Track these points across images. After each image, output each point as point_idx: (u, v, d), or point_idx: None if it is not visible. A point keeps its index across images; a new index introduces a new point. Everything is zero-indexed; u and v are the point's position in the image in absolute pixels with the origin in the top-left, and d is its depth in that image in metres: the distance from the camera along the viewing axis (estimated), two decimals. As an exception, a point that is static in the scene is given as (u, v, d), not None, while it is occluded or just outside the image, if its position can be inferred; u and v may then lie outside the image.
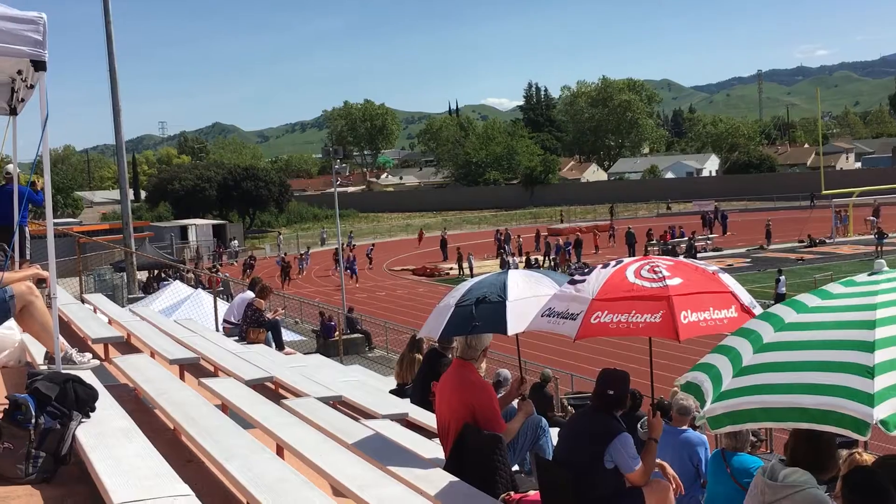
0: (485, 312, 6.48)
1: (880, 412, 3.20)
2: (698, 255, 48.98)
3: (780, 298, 30.18)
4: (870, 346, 3.43)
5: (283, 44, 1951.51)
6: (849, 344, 3.51)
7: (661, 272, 5.61)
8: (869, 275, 4.08)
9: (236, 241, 76.18)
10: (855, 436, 3.30)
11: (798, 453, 4.29)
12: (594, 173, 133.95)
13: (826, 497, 4.31)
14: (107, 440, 4.96)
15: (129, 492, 4.09)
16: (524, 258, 52.63)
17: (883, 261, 4.24)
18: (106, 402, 5.69)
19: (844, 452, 5.70)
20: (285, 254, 63.16)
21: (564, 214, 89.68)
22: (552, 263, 51.26)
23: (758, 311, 5.57)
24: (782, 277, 35.23)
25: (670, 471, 6.14)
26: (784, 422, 3.60)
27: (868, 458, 5.56)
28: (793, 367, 3.63)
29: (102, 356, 9.26)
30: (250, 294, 14.40)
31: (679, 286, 5.51)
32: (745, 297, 5.68)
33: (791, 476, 4.25)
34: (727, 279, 5.87)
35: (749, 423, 3.73)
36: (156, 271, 44.08)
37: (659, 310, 5.37)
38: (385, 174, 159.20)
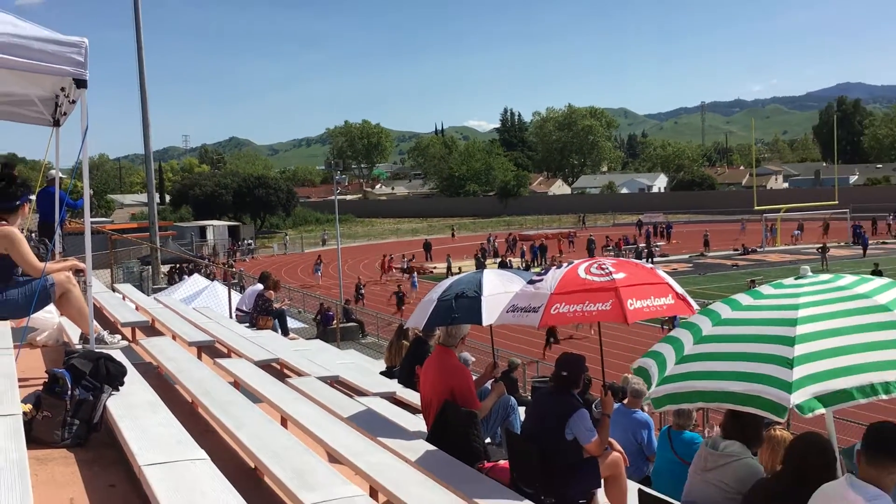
0: (463, 306, 6.50)
1: (797, 398, 3.24)
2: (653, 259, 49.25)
3: None
4: (791, 341, 3.46)
5: (293, 68, 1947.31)
6: (773, 338, 3.54)
7: (607, 268, 5.67)
8: (795, 279, 4.11)
9: (252, 242, 75.85)
10: (774, 417, 3.34)
11: (729, 429, 4.37)
12: (559, 188, 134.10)
13: (759, 465, 4.38)
14: (134, 411, 4.93)
15: (153, 455, 4.07)
16: (498, 260, 52.65)
17: (807, 267, 4.27)
18: (133, 378, 5.65)
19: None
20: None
21: (533, 223, 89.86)
22: (524, 264, 51.37)
23: (690, 299, 5.66)
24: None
25: (617, 446, 6.19)
26: (715, 403, 3.65)
27: (785, 433, 5.63)
28: (725, 357, 3.67)
29: (130, 338, 9.21)
30: (260, 286, 14.34)
31: (624, 279, 5.55)
32: (678, 287, 5.76)
33: (729, 447, 4.35)
34: (662, 273, 5.96)
35: (685, 403, 3.79)
36: (178, 265, 43.86)
37: (609, 299, 5.41)
38: (379, 185, 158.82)
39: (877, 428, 3.40)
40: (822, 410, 3.23)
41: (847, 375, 3.25)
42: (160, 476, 3.78)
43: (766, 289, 4.12)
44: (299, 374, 9.35)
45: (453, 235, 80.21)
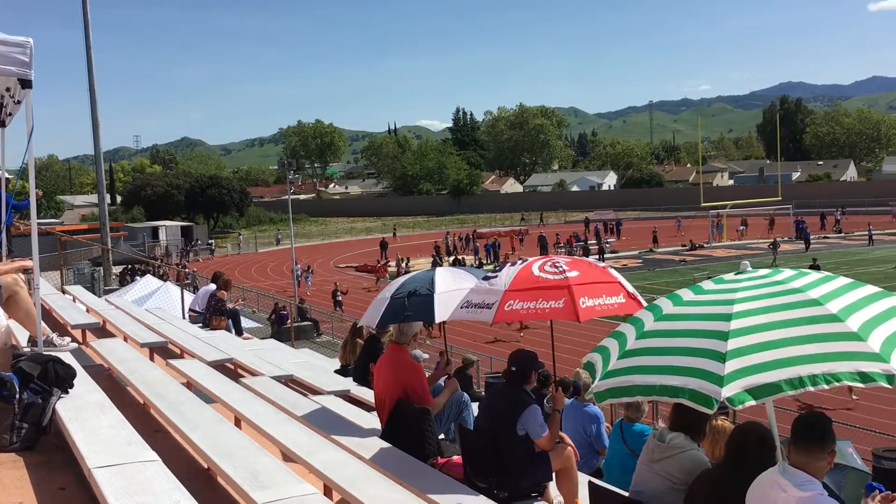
0: (416, 303, 6.50)
1: (727, 391, 3.30)
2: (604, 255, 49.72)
3: None
4: (724, 335, 3.52)
5: (246, 67, 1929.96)
6: (709, 333, 3.61)
7: (561, 266, 5.74)
8: (735, 274, 4.17)
9: (212, 242, 74.79)
10: (704, 409, 3.40)
11: (676, 421, 4.45)
12: (511, 186, 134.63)
13: (704, 457, 4.46)
14: (83, 413, 4.85)
15: (102, 457, 4.01)
16: (451, 258, 52.64)
17: (748, 262, 4.34)
18: (83, 380, 5.56)
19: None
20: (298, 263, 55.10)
21: (486, 221, 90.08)
22: (478, 262, 51.47)
23: (640, 298, 5.75)
24: None
25: (568, 440, 6.26)
26: (652, 396, 3.72)
27: (726, 423, 5.74)
28: (663, 351, 3.73)
29: (80, 340, 9.06)
30: (213, 286, 14.16)
31: (577, 277, 5.62)
32: (630, 287, 5.84)
33: (675, 440, 4.42)
34: (614, 272, 6.05)
35: (625, 397, 3.84)
36: (130, 266, 43.13)
37: (561, 297, 5.48)
38: (332, 184, 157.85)
39: (803, 417, 3.52)
40: (753, 402, 3.30)
41: (776, 369, 3.32)
42: (110, 478, 3.73)
43: (707, 284, 4.17)
44: (253, 373, 9.26)
45: (394, 235, 79.17)
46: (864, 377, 3.21)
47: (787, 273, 4.01)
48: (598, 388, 3.90)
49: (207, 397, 6.76)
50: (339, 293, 38.30)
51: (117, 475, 3.78)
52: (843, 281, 3.91)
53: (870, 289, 3.86)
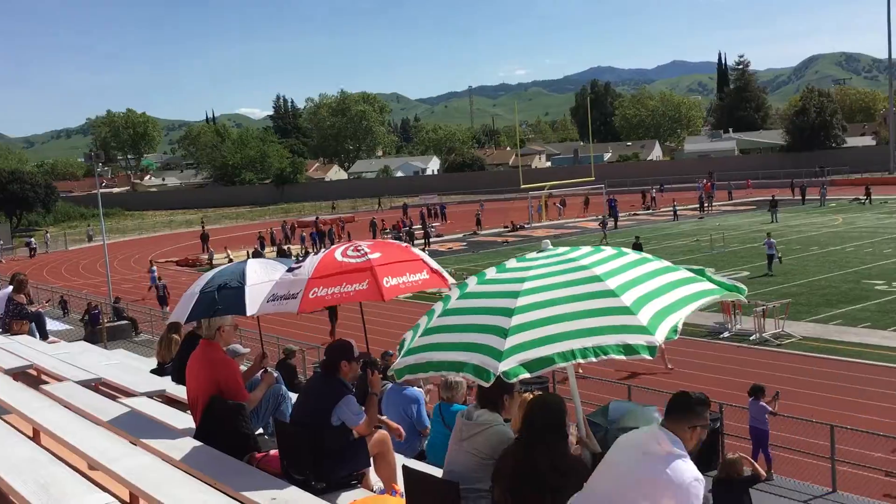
0: (226, 297, 6.39)
1: (504, 365, 3.44)
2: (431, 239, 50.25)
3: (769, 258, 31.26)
4: (510, 312, 3.65)
5: (51, 54, 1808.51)
6: (497, 310, 3.72)
7: (363, 250, 5.83)
8: (537, 252, 4.30)
9: (33, 239, 68.59)
10: (482, 382, 3.53)
11: (481, 398, 4.57)
12: (336, 173, 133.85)
13: (509, 432, 4.58)
14: None
15: None
16: (276, 248, 51.65)
17: (548, 241, 4.48)
18: None
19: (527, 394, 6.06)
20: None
21: (311, 209, 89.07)
22: (304, 251, 50.75)
23: (446, 273, 5.92)
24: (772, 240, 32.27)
25: (392, 424, 6.29)
26: (442, 371, 3.83)
27: (527, 396, 5.94)
28: (458, 328, 3.83)
29: None
30: (10, 289, 13.23)
31: (379, 258, 5.76)
32: (433, 263, 6.02)
33: (482, 417, 4.51)
34: (416, 250, 6.22)
35: (420, 373, 3.94)
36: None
37: (365, 279, 5.60)
38: (148, 176, 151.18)
39: (674, 395, 3.70)
40: (527, 375, 3.44)
41: (551, 343, 3.47)
42: None
43: (510, 262, 4.28)
44: (58, 379, 8.72)
45: (203, 226, 74.71)
46: (628, 349, 3.40)
47: (583, 250, 4.16)
48: (398, 366, 3.96)
49: (2, 408, 6.29)
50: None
51: None
52: (632, 257, 4.09)
53: (656, 264, 4.05)
